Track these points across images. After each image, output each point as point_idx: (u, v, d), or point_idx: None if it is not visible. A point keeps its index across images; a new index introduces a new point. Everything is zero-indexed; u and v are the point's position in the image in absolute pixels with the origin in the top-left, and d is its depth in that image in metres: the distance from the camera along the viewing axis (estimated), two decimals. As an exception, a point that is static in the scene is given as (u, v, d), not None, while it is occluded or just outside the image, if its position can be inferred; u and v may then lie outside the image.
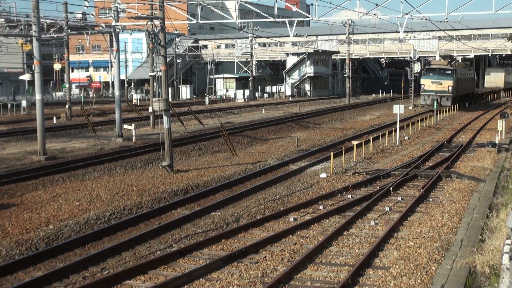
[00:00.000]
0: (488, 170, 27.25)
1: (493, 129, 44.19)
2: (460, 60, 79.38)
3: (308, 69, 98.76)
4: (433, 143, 37.02)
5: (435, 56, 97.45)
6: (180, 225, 18.23)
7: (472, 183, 24.35)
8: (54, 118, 51.96)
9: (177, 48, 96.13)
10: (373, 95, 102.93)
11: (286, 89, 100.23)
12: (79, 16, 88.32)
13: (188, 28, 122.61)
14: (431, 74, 63.14)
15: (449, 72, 62.53)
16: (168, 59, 38.81)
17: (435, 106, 53.50)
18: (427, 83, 62.30)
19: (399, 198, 21.65)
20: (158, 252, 15.61)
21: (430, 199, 21.60)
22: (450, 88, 61.29)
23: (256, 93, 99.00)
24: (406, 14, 42.74)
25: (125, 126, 40.43)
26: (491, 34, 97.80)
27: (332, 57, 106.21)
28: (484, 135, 42.04)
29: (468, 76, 72.83)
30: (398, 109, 37.17)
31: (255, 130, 44.26)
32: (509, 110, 59.98)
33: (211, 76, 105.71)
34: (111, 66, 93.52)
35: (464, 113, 63.87)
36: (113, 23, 38.29)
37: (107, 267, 14.59)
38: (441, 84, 61.27)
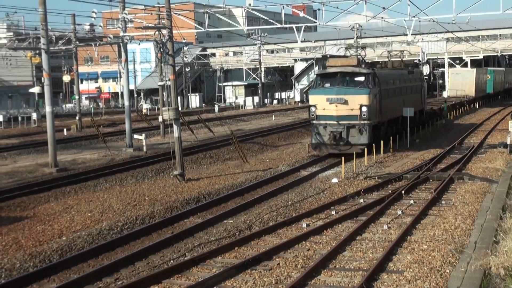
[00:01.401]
0: (500, 171, 27.12)
1: (504, 129, 43.98)
2: (390, 57, 49.21)
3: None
4: (444, 146, 36.88)
5: (443, 58, 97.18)
6: (193, 234, 18.23)
7: (484, 184, 24.25)
8: (65, 130, 52.15)
9: (186, 57, 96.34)
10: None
11: (295, 95, 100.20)
12: (87, 27, 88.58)
13: (196, 36, 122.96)
14: (327, 84, 34.18)
15: (362, 79, 33.83)
16: (177, 68, 38.86)
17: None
18: (320, 103, 33.49)
19: (412, 202, 21.58)
20: (172, 261, 15.60)
21: (443, 202, 21.52)
22: (365, 109, 32.92)
23: (266, 100, 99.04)
24: (414, 16, 42.64)
25: (136, 136, 40.51)
26: (500, 35, 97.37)
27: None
28: (495, 136, 41.87)
29: (409, 84, 42.68)
30: (408, 112, 37.06)
31: (265, 137, 44.26)
32: None
33: (220, 84, 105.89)
34: (120, 77, 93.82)
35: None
36: (121, 33, 38.41)
37: (121, 277, 14.59)
38: (346, 103, 32.94)
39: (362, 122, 32.99)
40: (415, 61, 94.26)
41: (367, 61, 45.34)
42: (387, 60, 48.40)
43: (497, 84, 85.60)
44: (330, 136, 33.15)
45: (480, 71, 76.86)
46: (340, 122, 33.21)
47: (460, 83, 73.09)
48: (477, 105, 73.63)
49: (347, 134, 33.16)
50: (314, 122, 33.95)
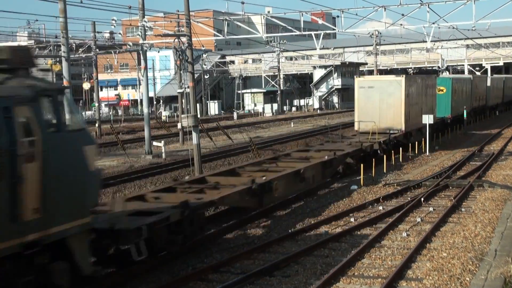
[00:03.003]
0: (520, 178, 26.84)
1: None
2: None
3: (336, 81, 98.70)
4: (463, 152, 36.67)
5: (463, 65, 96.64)
6: (212, 240, 18.22)
7: (504, 192, 24.08)
8: (85, 137, 52.36)
9: (205, 64, 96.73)
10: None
11: (314, 102, 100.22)
12: (107, 35, 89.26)
13: (215, 44, 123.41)
14: None
15: None
16: (196, 75, 39.00)
17: None
18: None
19: (431, 209, 21.47)
20: (190, 267, 15.60)
21: (463, 209, 21.39)
22: None
23: (284, 107, 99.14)
24: (433, 23, 42.59)
25: (155, 143, 40.65)
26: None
27: (360, 69, 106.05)
28: (516, 143, 41.51)
29: None
30: (427, 119, 36.89)
31: (284, 144, 44.23)
32: None
33: (239, 91, 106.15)
34: (139, 84, 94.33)
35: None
36: (141, 41, 38.64)
37: (140, 283, 14.59)
38: None
39: None
40: (434, 68, 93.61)
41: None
42: None
43: (460, 102, 52.32)
44: None
45: (416, 80, 40.01)
46: None
47: (376, 104, 36.63)
48: (411, 151, 36.00)
49: None
50: None
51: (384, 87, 36.96)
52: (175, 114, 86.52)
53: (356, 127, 37.15)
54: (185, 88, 45.07)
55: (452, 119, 48.74)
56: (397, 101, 36.37)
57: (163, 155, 38.10)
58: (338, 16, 46.82)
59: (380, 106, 36.43)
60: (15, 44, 78.84)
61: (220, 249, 17.16)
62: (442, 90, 48.36)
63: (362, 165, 28.15)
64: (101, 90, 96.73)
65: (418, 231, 18.48)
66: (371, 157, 30.78)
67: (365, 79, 39.13)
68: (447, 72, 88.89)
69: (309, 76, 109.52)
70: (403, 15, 46.44)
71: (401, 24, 50.32)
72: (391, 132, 35.03)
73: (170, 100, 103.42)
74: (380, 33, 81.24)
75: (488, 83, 67.82)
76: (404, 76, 36.93)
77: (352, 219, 20.32)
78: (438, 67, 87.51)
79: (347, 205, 22.75)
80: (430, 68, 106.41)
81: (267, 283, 14.10)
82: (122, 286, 14.33)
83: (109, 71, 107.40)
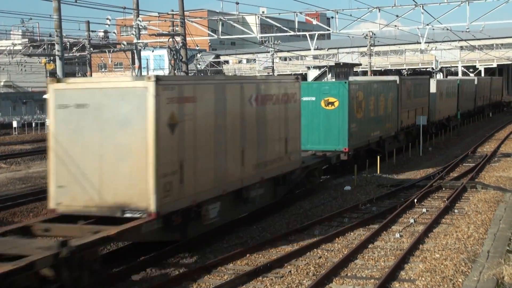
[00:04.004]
0: (513, 180, 26.84)
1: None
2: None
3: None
4: (457, 154, 36.73)
5: (457, 66, 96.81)
6: (205, 241, 18.20)
7: (497, 193, 24.13)
8: (78, 136, 52.31)
9: (199, 64, 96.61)
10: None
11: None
12: (101, 34, 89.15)
13: (210, 43, 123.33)
14: None
15: None
16: (190, 75, 39.02)
17: None
18: None
19: (424, 210, 21.50)
20: (184, 268, 15.59)
21: (456, 210, 21.43)
22: None
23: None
24: (427, 24, 42.60)
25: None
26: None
27: (354, 70, 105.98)
28: (509, 144, 41.66)
29: None
30: (421, 120, 36.95)
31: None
32: None
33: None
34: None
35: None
36: (135, 40, 38.58)
37: (133, 283, 14.59)
38: None
39: None
40: (428, 69, 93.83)
41: None
42: None
43: (370, 124, 32.05)
44: None
45: (208, 87, 17.03)
46: None
47: (92, 147, 15.13)
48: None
49: None
50: None
51: (111, 105, 15.18)
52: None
53: (51, 203, 15.63)
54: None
55: (352, 155, 29.57)
56: (137, 139, 14.93)
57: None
58: (332, 17, 46.92)
59: (102, 150, 15.20)
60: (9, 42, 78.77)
61: (213, 249, 17.15)
62: (332, 104, 29.04)
63: (355, 166, 28.15)
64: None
65: (411, 232, 18.51)
66: None
67: (68, 86, 15.75)
68: (441, 74, 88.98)
69: (303, 77, 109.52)
70: (397, 16, 46.41)
71: (395, 25, 50.41)
72: (127, 215, 14.95)
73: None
74: (374, 34, 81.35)
75: (433, 88, 45.89)
76: (153, 78, 14.68)
77: (345, 220, 20.34)
78: (432, 68, 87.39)
79: (341, 205, 22.76)
80: (424, 69, 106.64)
81: (260, 284, 14.10)
82: (115, 286, 14.32)
83: (103, 70, 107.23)
